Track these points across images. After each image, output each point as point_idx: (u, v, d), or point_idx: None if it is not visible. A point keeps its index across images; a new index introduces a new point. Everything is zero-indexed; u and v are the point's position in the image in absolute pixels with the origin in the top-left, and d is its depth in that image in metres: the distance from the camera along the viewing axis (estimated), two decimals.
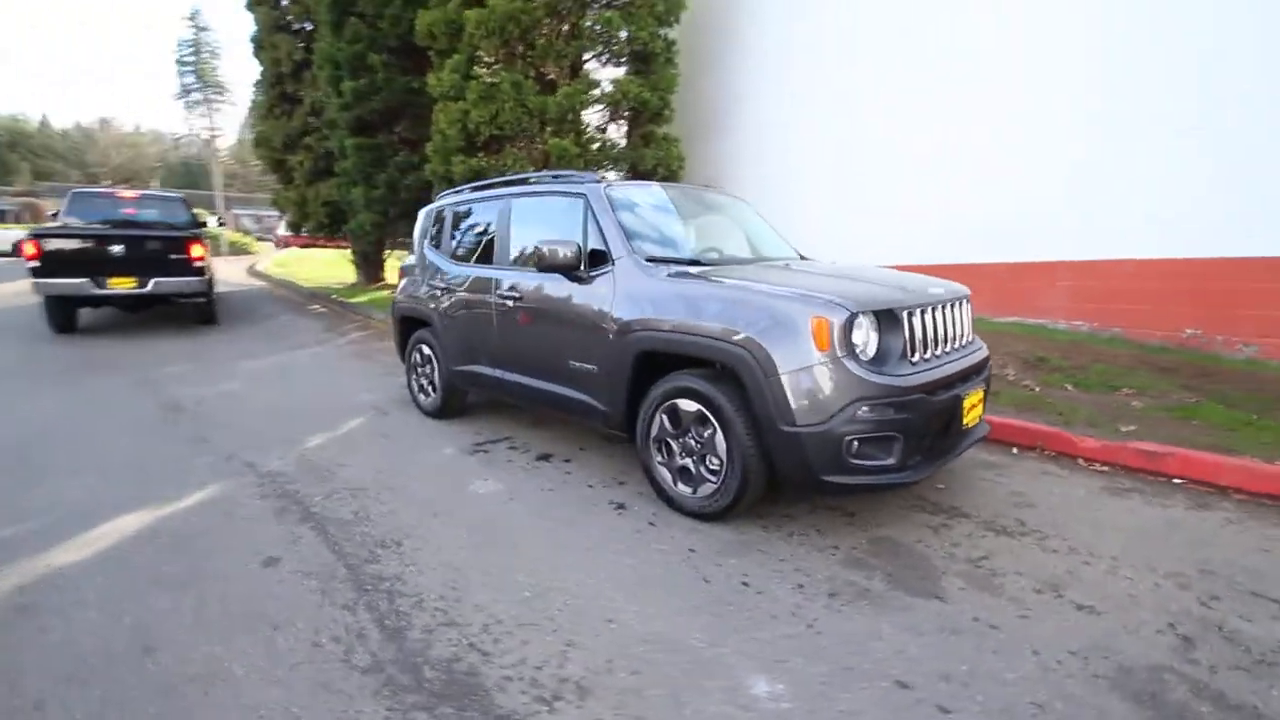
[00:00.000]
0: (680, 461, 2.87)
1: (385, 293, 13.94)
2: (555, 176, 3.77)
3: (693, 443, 2.80)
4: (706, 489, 2.76)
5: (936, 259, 6.20)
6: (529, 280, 3.59)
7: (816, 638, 1.98)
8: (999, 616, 2.08)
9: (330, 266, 18.73)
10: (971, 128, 6.28)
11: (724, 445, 2.65)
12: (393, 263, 15.14)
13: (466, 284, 4.07)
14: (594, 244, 3.25)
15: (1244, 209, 4.58)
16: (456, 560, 2.53)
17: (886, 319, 2.54)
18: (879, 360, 2.50)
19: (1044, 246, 5.81)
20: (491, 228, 4.02)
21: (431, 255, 4.52)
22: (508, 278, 3.73)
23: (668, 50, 9.50)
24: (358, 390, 5.65)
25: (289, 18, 13.50)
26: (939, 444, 2.63)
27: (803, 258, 3.86)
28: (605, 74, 9.76)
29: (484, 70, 9.41)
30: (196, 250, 8.37)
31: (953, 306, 2.90)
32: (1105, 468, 3.39)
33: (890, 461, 2.47)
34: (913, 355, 2.60)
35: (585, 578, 2.37)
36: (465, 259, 4.22)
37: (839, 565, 2.43)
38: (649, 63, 9.49)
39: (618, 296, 3.06)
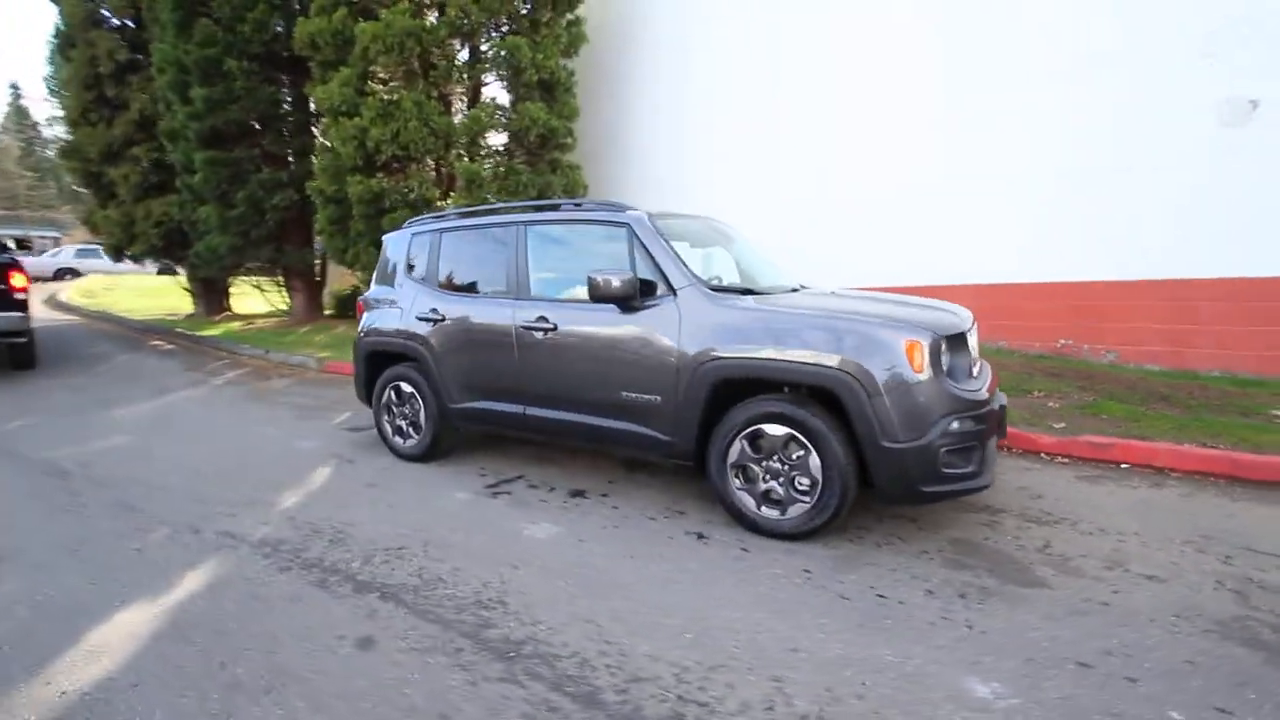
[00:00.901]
0: (764, 486, 2.92)
1: (237, 324, 12.28)
2: (578, 205, 3.68)
3: (779, 465, 2.88)
4: (798, 510, 2.84)
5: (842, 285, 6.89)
6: (564, 311, 3.45)
7: (983, 637, 2.15)
8: (1101, 594, 2.40)
9: (151, 295, 16.04)
10: (866, 175, 7.11)
11: (819, 465, 2.76)
12: (244, 289, 13.39)
13: (474, 315, 3.80)
14: (643, 274, 3.23)
15: (1105, 242, 5.69)
16: (580, 611, 2.36)
17: (956, 340, 2.84)
18: (954, 378, 2.78)
19: (940, 273, 6.71)
20: (500, 256, 3.80)
21: (414, 285, 4.15)
22: (533, 309, 3.55)
23: (569, 80, 9.58)
24: (287, 437, 4.96)
25: (104, 11, 11.59)
26: (991, 450, 2.97)
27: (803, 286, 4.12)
28: (503, 99, 9.57)
29: (380, 87, 8.80)
30: (18, 279, 6.82)
31: (974, 328, 3.30)
32: (1065, 459, 4.02)
33: (970, 469, 2.75)
34: (972, 372, 2.92)
35: (729, 612, 2.33)
36: (465, 289, 3.94)
37: (943, 568, 2.64)
38: (552, 91, 9.49)
39: (685, 326, 3.06)
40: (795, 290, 3.56)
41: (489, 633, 2.23)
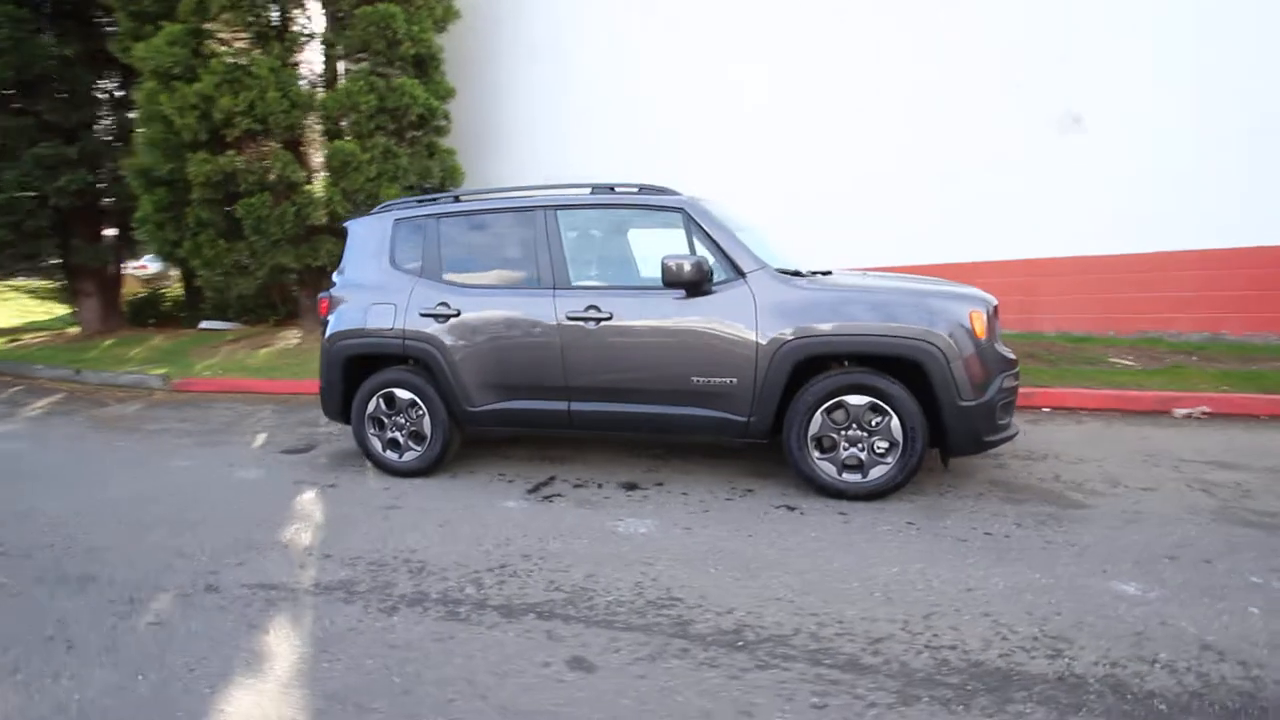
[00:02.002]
0: (844, 453, 3.14)
1: (5, 341, 9.57)
2: (611, 189, 3.53)
3: (858, 433, 3.11)
4: (879, 471, 3.09)
5: None
6: (618, 300, 3.33)
7: (1090, 550, 2.57)
8: (1128, 506, 2.99)
9: None
10: (738, 163, 7.67)
11: (899, 428, 3.04)
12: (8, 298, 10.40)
13: (501, 308, 3.49)
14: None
15: (969, 229, 6.83)
16: (759, 592, 2.36)
17: (994, 310, 3.29)
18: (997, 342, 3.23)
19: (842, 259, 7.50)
20: (524, 243, 3.53)
21: (406, 278, 3.67)
22: (580, 298, 3.36)
23: (440, 56, 8.96)
24: (213, 468, 4.15)
25: None
26: None
27: None
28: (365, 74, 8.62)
29: (222, 47, 7.42)
30: None
31: None
32: None
33: (1008, 420, 3.23)
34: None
35: (887, 568, 2.49)
36: (483, 280, 3.60)
37: (1006, 504, 3.07)
38: (425, 68, 8.80)
39: (761, 308, 3.14)
40: (828, 273, 3.81)
41: (697, 628, 2.15)
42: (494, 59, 10.11)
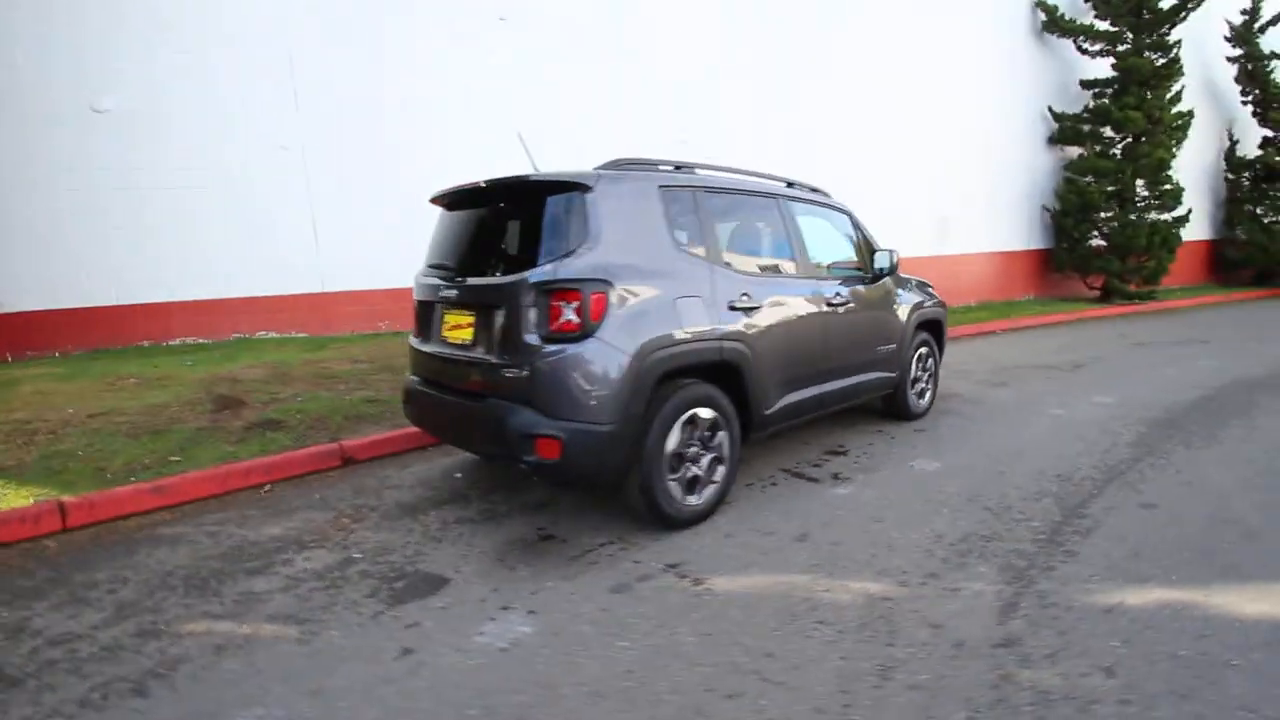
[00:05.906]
0: (921, 385, 4.63)
1: None
2: (791, 184, 3.71)
3: (922, 371, 4.66)
4: (929, 396, 4.73)
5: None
6: (848, 285, 3.75)
7: (1068, 403, 5.02)
8: (1014, 390, 5.64)
9: None
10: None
11: (934, 363, 4.78)
12: None
13: (790, 297, 3.32)
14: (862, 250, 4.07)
15: None
16: (1051, 463, 3.72)
17: None
18: None
19: None
20: (768, 229, 3.45)
21: (696, 264, 2.87)
22: (831, 285, 3.61)
23: None
24: (431, 657, 2.15)
25: None
26: None
27: None
28: None
29: None
30: None
31: None
32: None
33: None
34: None
35: (1028, 438, 4.25)
36: (759, 266, 3.23)
37: (980, 404, 5.22)
38: None
39: (899, 288, 4.26)
40: None
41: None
42: None
